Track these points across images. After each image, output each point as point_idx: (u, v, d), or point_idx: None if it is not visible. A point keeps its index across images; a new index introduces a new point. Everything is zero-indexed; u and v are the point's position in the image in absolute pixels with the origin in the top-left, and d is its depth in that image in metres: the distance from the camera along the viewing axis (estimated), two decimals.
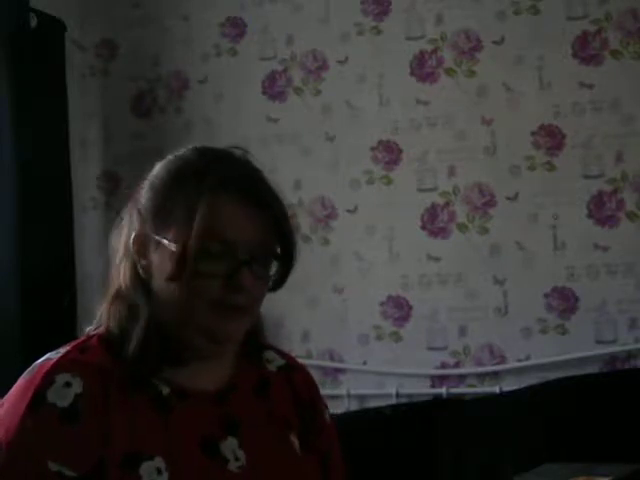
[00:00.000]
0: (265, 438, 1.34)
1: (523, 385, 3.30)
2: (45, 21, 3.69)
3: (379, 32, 3.68)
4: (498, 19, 3.52)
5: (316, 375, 3.88)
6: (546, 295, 3.40)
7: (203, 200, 1.25)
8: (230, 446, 1.29)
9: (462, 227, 3.52)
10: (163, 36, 3.98)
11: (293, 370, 1.46)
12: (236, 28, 3.89)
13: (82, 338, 1.31)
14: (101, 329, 1.31)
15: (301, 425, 1.40)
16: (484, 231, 3.50)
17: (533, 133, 3.45)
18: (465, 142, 3.54)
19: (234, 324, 1.28)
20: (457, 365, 3.50)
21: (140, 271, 1.29)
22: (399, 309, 3.58)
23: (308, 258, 3.70)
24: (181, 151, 1.34)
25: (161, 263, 1.27)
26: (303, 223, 3.65)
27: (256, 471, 1.29)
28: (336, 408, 3.36)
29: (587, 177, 3.39)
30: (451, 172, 3.55)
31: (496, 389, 3.41)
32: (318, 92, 3.75)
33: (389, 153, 3.63)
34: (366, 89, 3.68)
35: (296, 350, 3.56)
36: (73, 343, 1.29)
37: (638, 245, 3.32)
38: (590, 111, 3.40)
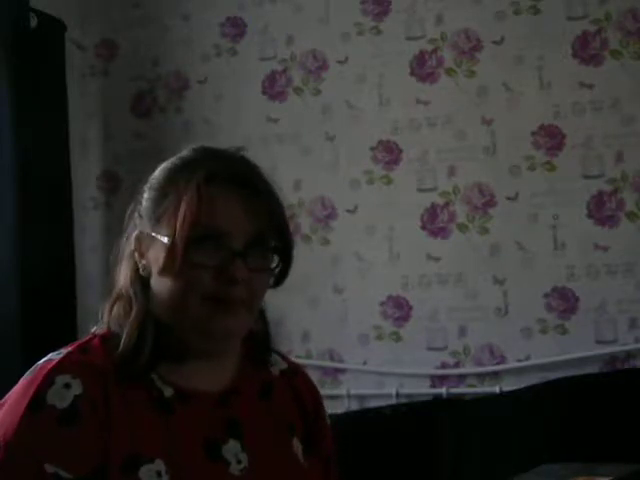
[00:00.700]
0: (267, 442, 1.33)
1: (523, 385, 3.29)
2: (45, 21, 3.69)
3: (379, 32, 3.68)
4: (498, 19, 3.52)
5: (316, 375, 3.86)
6: (546, 295, 3.40)
7: (191, 189, 1.25)
8: (232, 449, 1.28)
9: (462, 227, 3.52)
10: (163, 36, 3.98)
11: (295, 374, 1.46)
12: (236, 28, 3.89)
13: (84, 338, 1.31)
14: (103, 330, 1.31)
15: (304, 429, 1.40)
16: (484, 231, 3.50)
17: (533, 133, 3.45)
18: (465, 142, 3.54)
19: (231, 319, 1.26)
20: (457, 365, 3.49)
21: (140, 270, 1.30)
22: (399, 309, 3.58)
23: (308, 258, 3.72)
24: (180, 152, 1.36)
25: (156, 258, 1.27)
26: (303, 223, 3.65)
27: (258, 474, 1.28)
28: (336, 408, 3.36)
29: (587, 177, 3.39)
30: (451, 172, 3.55)
31: (496, 389, 3.41)
32: (318, 92, 3.75)
33: (389, 153, 3.63)
34: (366, 89, 3.68)
35: (296, 350, 3.57)
36: (75, 343, 1.29)
37: (638, 245, 3.31)
38: (590, 111, 3.40)
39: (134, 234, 1.31)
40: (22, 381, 1.24)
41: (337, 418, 3.22)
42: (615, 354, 3.31)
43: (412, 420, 3.21)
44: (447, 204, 3.54)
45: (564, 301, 3.38)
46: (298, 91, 3.78)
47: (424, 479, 3.11)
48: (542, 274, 3.41)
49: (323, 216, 3.69)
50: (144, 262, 1.30)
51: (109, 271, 1.36)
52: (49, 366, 1.23)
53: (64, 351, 1.27)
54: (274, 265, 1.30)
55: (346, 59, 3.71)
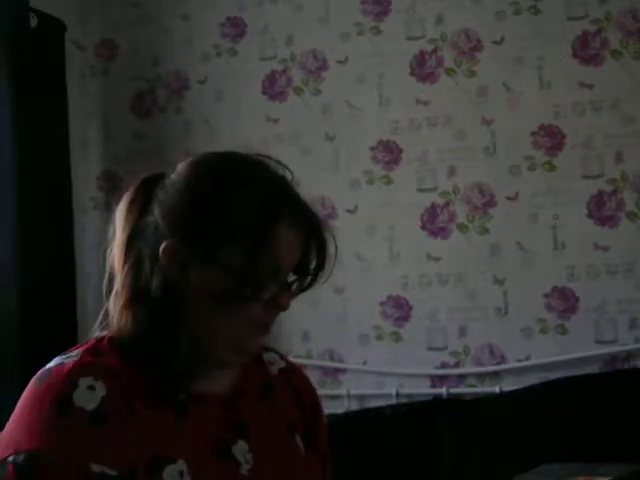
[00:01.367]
0: (271, 441, 1.34)
1: (523, 385, 3.30)
2: (45, 21, 3.69)
3: (379, 32, 3.68)
4: (498, 19, 3.52)
5: (316, 375, 3.87)
6: (546, 295, 3.40)
7: (274, 233, 1.24)
8: (241, 449, 1.29)
9: (462, 227, 3.52)
10: (163, 36, 3.98)
11: (293, 372, 1.46)
12: (236, 28, 3.89)
13: (91, 341, 1.28)
14: (111, 332, 1.27)
15: (305, 427, 1.41)
16: (484, 231, 3.50)
17: (533, 133, 3.45)
18: (465, 142, 3.54)
19: (262, 339, 1.32)
20: (457, 365, 3.49)
21: (172, 281, 1.25)
22: (399, 309, 3.58)
23: None
24: (219, 158, 1.31)
25: (208, 281, 1.24)
26: None
27: (264, 474, 1.29)
28: (336, 408, 3.36)
29: (587, 177, 3.39)
30: (451, 172, 3.55)
31: (496, 389, 3.41)
32: (318, 92, 3.75)
33: (389, 153, 3.63)
34: (366, 89, 3.68)
35: (296, 350, 3.57)
36: (83, 346, 1.27)
37: (638, 245, 3.32)
38: (590, 111, 3.40)
39: (164, 242, 1.24)
40: (33, 387, 1.21)
41: (337, 418, 3.23)
42: (615, 354, 3.31)
43: (412, 420, 3.21)
44: (447, 204, 3.54)
45: (564, 301, 3.38)
46: (298, 91, 3.78)
47: (424, 479, 3.11)
48: (542, 274, 3.41)
49: (323, 216, 3.68)
50: (174, 271, 1.24)
51: (108, 270, 1.33)
52: (66, 369, 1.20)
53: (74, 354, 1.24)
54: (308, 284, 1.33)
55: (346, 59, 3.71)
